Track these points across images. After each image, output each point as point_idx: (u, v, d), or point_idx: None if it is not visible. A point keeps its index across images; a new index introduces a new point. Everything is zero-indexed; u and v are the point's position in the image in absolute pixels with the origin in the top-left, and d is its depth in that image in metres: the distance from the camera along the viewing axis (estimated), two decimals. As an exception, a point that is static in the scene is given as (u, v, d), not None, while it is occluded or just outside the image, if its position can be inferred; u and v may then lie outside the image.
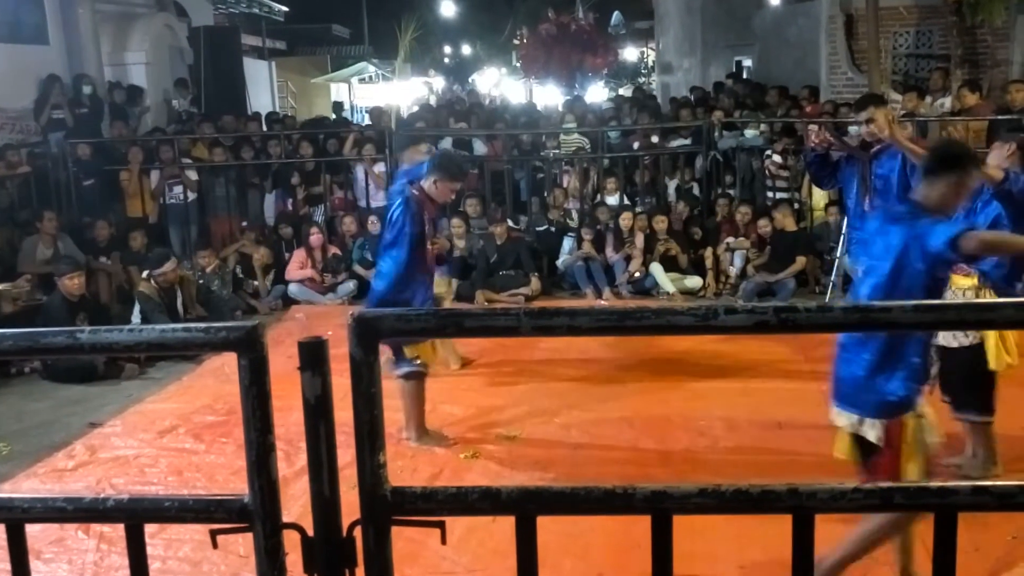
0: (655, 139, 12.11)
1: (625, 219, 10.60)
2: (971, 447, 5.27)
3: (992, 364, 4.99)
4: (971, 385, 5.07)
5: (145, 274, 8.83)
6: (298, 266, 10.60)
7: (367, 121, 15.92)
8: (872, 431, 3.83)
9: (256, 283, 10.57)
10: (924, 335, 3.88)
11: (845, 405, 3.93)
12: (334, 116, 17.43)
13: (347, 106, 29.14)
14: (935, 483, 1.95)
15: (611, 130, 12.51)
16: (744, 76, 18.87)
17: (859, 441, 3.92)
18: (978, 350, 5.00)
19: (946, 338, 5.06)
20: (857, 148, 6.64)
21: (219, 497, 2.05)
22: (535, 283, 10.30)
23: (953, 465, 5.25)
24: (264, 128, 13.81)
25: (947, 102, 11.63)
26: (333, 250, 10.90)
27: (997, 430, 5.18)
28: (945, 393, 5.19)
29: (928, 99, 11.83)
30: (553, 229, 11.11)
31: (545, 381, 7.36)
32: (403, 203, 5.94)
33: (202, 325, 1.96)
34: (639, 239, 10.47)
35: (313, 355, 1.90)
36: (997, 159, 5.14)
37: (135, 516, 2.06)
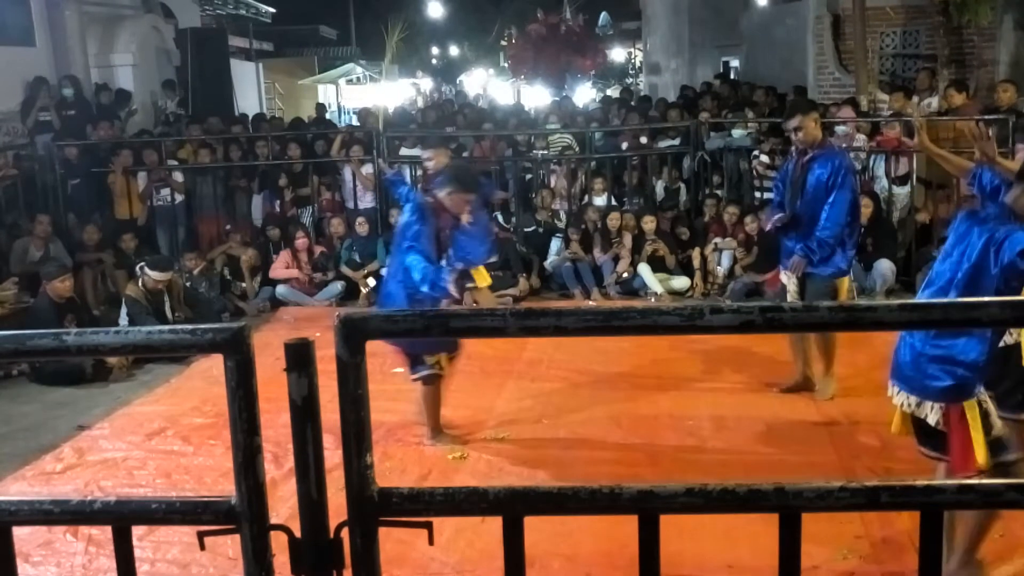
0: (643, 139, 12.12)
1: (612, 219, 10.61)
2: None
3: None
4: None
5: (138, 268, 8.78)
6: (283, 266, 10.59)
7: (354, 122, 15.91)
8: (932, 415, 4.00)
9: (244, 285, 10.54)
10: (987, 332, 4.00)
11: (904, 386, 4.10)
12: (315, 116, 17.34)
13: (334, 107, 29.10)
14: (921, 481, 1.96)
15: (598, 131, 12.52)
16: (732, 77, 18.91)
17: (919, 423, 4.10)
18: (1015, 349, 5.00)
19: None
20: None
21: (206, 499, 2.05)
22: (523, 284, 10.31)
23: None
24: (250, 130, 13.77)
25: (934, 102, 11.68)
26: (320, 250, 10.90)
27: None
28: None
29: (915, 99, 11.87)
30: (541, 230, 11.11)
31: (533, 382, 7.37)
32: (414, 207, 5.95)
33: (188, 327, 1.96)
34: (627, 239, 10.48)
35: (299, 356, 1.90)
36: None
37: (122, 518, 2.06)
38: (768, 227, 6.94)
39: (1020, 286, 3.99)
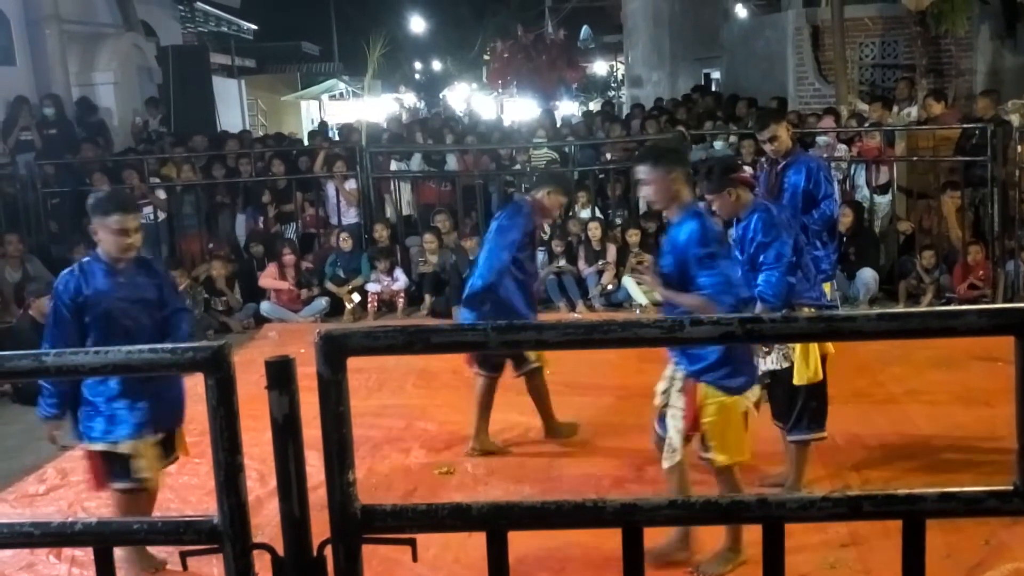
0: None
1: (593, 229, 10.63)
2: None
3: (797, 379, 5.09)
4: (795, 404, 5.17)
5: None
6: (272, 275, 10.58)
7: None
8: None
9: (225, 298, 10.47)
10: None
11: None
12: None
13: (316, 123, 29.11)
14: (903, 490, 1.96)
15: (580, 143, 12.55)
16: (712, 88, 18.99)
17: None
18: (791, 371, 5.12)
19: (779, 360, 5.16)
20: None
21: (188, 519, 2.05)
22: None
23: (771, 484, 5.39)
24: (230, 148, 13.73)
25: (913, 111, 11.77)
26: (306, 265, 10.91)
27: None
28: (776, 418, 5.32)
29: (895, 109, 11.96)
30: (525, 243, 11.10)
31: (520, 395, 7.34)
32: (516, 208, 6.16)
33: (168, 346, 1.95)
34: (611, 252, 10.50)
35: (280, 374, 1.90)
36: None
37: (104, 539, 2.05)
38: None
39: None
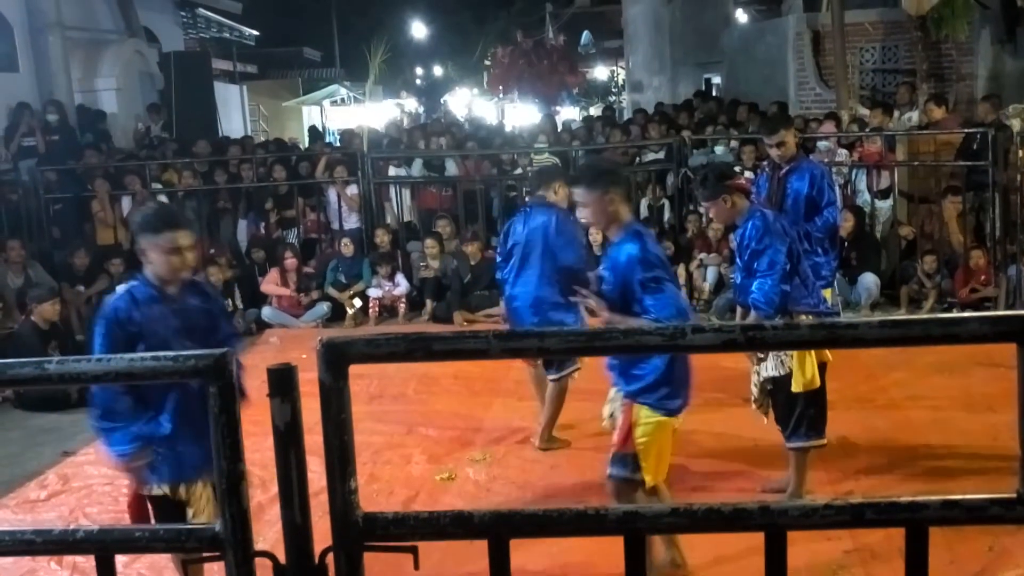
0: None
1: (594, 233, 10.62)
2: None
3: (795, 387, 5.08)
4: (793, 410, 5.18)
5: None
6: (273, 281, 10.58)
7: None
8: None
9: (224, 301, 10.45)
10: None
11: None
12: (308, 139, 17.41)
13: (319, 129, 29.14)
14: (905, 498, 1.96)
15: (581, 149, 12.54)
16: (713, 93, 19.00)
17: None
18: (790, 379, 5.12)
19: (776, 367, 5.15)
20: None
21: (190, 526, 2.05)
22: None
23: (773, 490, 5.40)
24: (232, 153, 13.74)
25: (914, 116, 11.77)
26: (308, 270, 10.92)
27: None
28: (778, 422, 5.33)
29: (896, 113, 11.96)
30: (527, 249, 11.09)
31: (520, 400, 7.34)
32: (555, 216, 6.20)
33: (171, 353, 1.95)
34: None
35: (282, 381, 1.90)
36: None
37: (105, 547, 2.04)
38: None
39: None
